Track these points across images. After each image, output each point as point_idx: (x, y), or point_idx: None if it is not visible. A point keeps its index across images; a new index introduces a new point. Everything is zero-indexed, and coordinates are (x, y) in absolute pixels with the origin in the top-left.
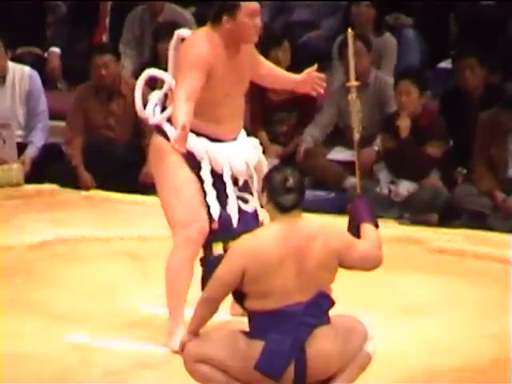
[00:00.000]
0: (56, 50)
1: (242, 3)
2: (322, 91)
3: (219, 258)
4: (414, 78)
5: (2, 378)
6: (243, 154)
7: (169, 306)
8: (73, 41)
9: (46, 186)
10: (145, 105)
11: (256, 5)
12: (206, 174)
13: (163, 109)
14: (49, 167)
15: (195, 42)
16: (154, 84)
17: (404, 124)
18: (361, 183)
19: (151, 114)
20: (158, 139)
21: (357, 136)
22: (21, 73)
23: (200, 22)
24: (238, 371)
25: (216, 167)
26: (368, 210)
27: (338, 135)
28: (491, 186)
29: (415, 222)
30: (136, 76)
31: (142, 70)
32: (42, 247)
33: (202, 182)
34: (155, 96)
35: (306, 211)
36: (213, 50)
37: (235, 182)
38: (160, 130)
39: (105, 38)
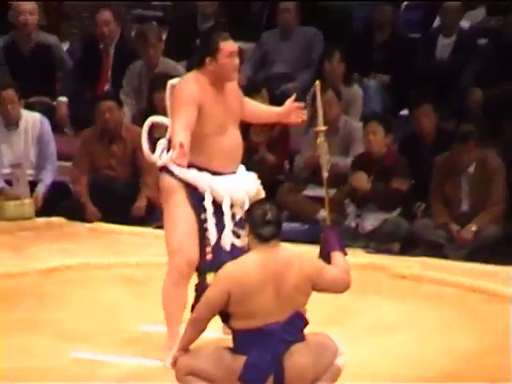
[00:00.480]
0: (64, 99)
1: (221, 46)
2: (305, 118)
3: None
4: (380, 121)
5: None
6: (244, 186)
7: (166, 325)
8: (78, 92)
9: (55, 219)
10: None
11: (234, 47)
12: (208, 204)
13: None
14: (57, 202)
15: (185, 84)
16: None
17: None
18: (331, 216)
19: (158, 158)
20: (166, 178)
21: (325, 174)
22: (33, 119)
23: None
24: (223, 382)
25: (217, 198)
26: (337, 240)
27: (311, 175)
28: (446, 219)
29: (379, 251)
30: (135, 122)
31: (140, 116)
32: (51, 273)
33: (205, 211)
34: (161, 143)
35: (284, 241)
36: (201, 88)
37: (232, 216)
38: (167, 170)
39: (107, 89)
